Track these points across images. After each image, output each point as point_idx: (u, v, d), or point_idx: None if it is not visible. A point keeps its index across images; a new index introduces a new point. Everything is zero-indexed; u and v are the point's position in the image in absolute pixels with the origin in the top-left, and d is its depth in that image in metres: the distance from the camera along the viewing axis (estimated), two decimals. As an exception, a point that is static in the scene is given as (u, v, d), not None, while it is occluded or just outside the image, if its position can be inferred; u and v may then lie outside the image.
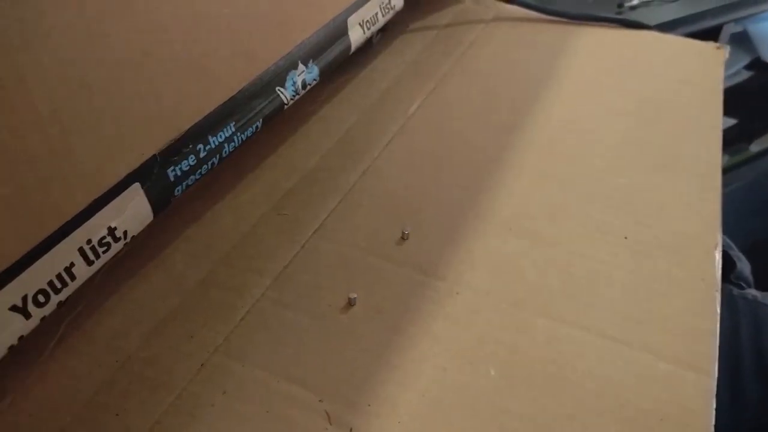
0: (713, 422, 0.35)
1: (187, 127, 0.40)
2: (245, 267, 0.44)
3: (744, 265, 0.73)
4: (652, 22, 0.77)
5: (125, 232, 0.38)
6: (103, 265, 0.38)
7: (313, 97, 0.60)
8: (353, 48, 0.57)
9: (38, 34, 0.30)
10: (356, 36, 0.56)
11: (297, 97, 0.50)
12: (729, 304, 0.67)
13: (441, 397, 0.36)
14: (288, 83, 0.48)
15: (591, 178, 0.50)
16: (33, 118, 0.30)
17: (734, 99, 0.69)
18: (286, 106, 0.49)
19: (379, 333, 0.39)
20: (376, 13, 0.59)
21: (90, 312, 0.41)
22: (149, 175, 0.38)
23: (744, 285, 0.71)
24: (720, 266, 0.43)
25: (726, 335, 0.64)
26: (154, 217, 0.40)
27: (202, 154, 0.42)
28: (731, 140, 1.13)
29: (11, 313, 0.32)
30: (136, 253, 0.44)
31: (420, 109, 0.59)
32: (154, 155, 0.38)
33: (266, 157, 0.54)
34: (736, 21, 1.00)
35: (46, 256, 0.33)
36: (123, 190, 0.37)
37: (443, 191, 0.50)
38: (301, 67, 0.49)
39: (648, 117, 0.57)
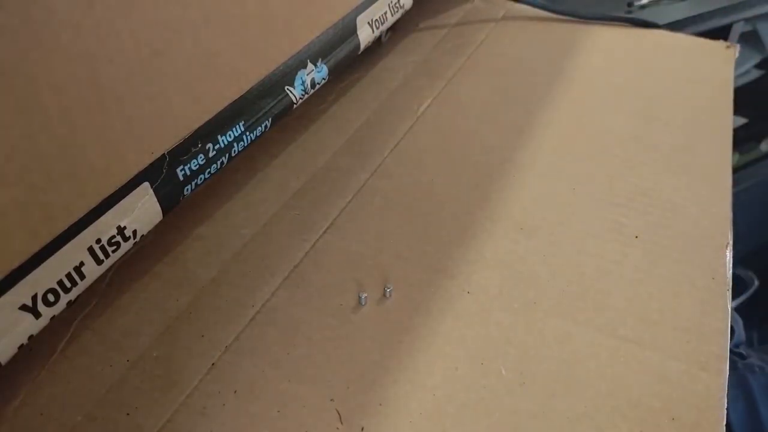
0: (724, 421, 0.34)
1: (197, 126, 0.40)
2: (256, 265, 0.44)
3: (739, 328, 0.72)
4: (662, 21, 0.77)
5: (135, 231, 0.38)
6: (114, 264, 0.38)
7: (322, 97, 0.60)
8: (362, 47, 0.57)
9: (48, 33, 0.30)
10: (365, 35, 0.56)
11: (306, 96, 0.50)
12: (739, 380, 0.65)
13: (452, 397, 0.36)
14: (297, 82, 0.48)
15: (601, 177, 0.50)
16: (42, 118, 0.30)
17: (744, 98, 0.69)
18: (295, 106, 0.49)
19: (390, 332, 0.39)
20: (386, 12, 0.59)
21: (101, 311, 0.41)
22: (159, 174, 0.38)
23: (744, 353, 0.70)
24: (731, 265, 0.43)
25: (744, 414, 0.63)
26: (164, 216, 0.40)
27: (211, 154, 0.42)
28: (741, 139, 1.12)
29: (21, 312, 0.32)
30: (148, 251, 0.44)
31: (430, 108, 0.59)
32: (164, 154, 0.38)
33: (276, 156, 0.54)
34: (746, 20, 0.99)
35: (55, 256, 0.33)
36: (132, 190, 0.37)
37: (453, 191, 0.49)
38: (310, 66, 0.49)
39: (658, 116, 0.57)
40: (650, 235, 0.45)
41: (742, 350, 0.70)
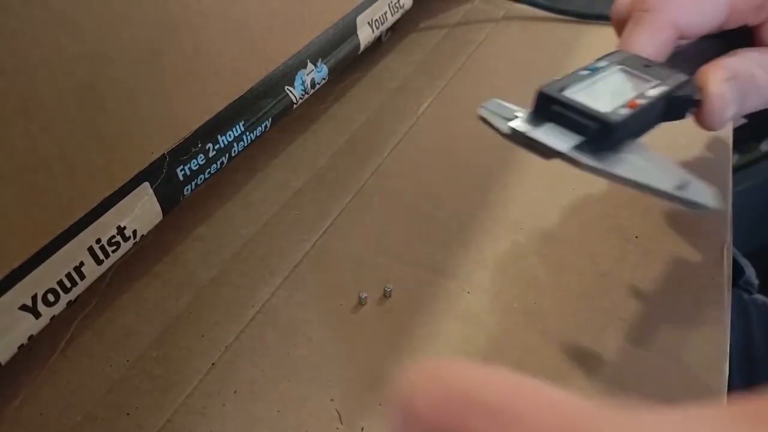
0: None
1: (197, 126, 0.40)
2: (256, 266, 0.44)
3: (750, 272, 0.74)
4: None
5: (135, 232, 0.38)
6: (114, 264, 0.38)
7: (322, 97, 0.60)
8: (362, 47, 0.57)
9: (48, 33, 0.30)
10: (365, 35, 0.56)
11: (306, 96, 0.50)
12: (741, 308, 0.67)
13: (452, 397, 0.36)
14: (297, 82, 0.48)
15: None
16: (42, 118, 0.30)
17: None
18: (295, 106, 0.49)
19: (390, 332, 0.39)
20: (385, 12, 0.59)
21: (101, 311, 0.41)
22: (158, 174, 0.38)
23: (752, 290, 0.71)
24: (730, 266, 0.43)
25: (740, 339, 0.64)
26: (164, 216, 0.40)
27: (211, 154, 0.42)
28: (741, 139, 1.12)
29: (21, 312, 0.32)
30: (148, 251, 0.44)
31: (430, 108, 0.59)
32: (164, 154, 0.38)
33: (276, 156, 0.54)
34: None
35: (55, 256, 0.33)
36: (132, 190, 0.37)
37: (454, 191, 0.49)
38: (310, 66, 0.49)
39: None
40: (650, 235, 0.45)
41: (750, 289, 0.71)
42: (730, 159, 0.52)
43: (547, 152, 0.32)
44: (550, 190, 0.49)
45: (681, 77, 0.36)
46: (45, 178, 0.31)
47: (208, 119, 0.41)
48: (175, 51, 0.37)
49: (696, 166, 0.51)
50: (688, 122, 0.56)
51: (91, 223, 0.35)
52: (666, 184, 0.30)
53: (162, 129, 0.38)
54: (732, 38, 0.42)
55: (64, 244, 0.34)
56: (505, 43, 0.69)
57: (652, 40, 0.40)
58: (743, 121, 1.11)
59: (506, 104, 0.36)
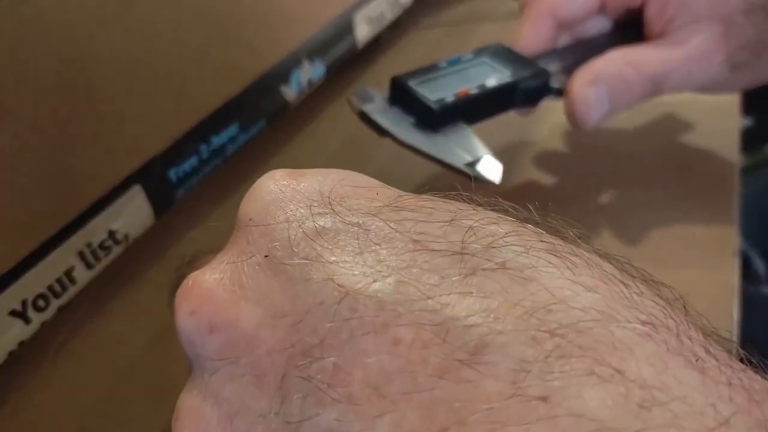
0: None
1: (189, 127, 0.39)
2: (251, 270, 0.43)
3: (758, 263, 0.73)
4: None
5: (126, 235, 0.37)
6: (106, 268, 0.37)
7: (319, 96, 0.59)
8: (360, 45, 0.56)
9: (38, 32, 0.29)
10: (363, 33, 0.56)
11: (302, 95, 0.49)
12: (745, 301, 0.67)
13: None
14: (293, 81, 0.48)
15: (607, 180, 0.49)
16: (32, 119, 0.30)
17: (751, 98, 0.68)
18: (291, 105, 0.48)
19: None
20: (384, 10, 0.58)
21: (92, 317, 0.40)
22: (151, 176, 0.38)
23: (758, 282, 0.71)
24: (738, 271, 0.42)
25: (742, 332, 0.64)
26: (156, 219, 0.39)
27: (204, 155, 0.41)
28: (749, 141, 1.11)
29: (11, 318, 0.32)
30: (140, 255, 0.43)
31: (429, 107, 0.58)
32: (156, 156, 0.38)
33: (272, 157, 0.53)
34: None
35: (45, 260, 0.33)
36: (124, 192, 0.36)
37: (453, 190, 0.49)
38: (306, 65, 0.49)
39: (663, 117, 0.56)
40: (654, 241, 0.44)
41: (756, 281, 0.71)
42: (737, 161, 0.51)
43: (380, 131, 0.37)
44: (553, 193, 0.48)
45: (537, 69, 0.41)
46: (34, 181, 0.31)
47: (201, 120, 0.40)
48: (167, 50, 0.36)
49: (701, 168, 0.50)
50: (692, 122, 0.55)
51: (81, 226, 0.34)
52: (458, 160, 0.35)
53: (154, 130, 0.37)
54: (625, 30, 0.44)
55: (54, 248, 0.33)
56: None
57: (531, 31, 0.43)
58: (751, 121, 1.10)
59: (371, 90, 0.39)
